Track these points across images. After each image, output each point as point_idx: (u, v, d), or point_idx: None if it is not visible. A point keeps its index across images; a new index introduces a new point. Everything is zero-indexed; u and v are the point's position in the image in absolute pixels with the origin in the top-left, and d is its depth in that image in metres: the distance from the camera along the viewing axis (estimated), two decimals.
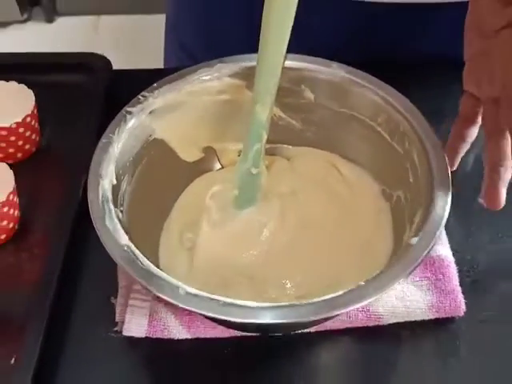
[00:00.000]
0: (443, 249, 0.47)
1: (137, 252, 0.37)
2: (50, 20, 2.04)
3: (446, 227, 0.47)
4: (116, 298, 0.45)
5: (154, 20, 1.91)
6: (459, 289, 0.45)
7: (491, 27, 0.39)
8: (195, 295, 0.35)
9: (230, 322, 0.35)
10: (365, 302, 0.35)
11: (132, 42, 1.94)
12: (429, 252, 0.37)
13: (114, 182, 0.41)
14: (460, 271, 0.46)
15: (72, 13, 2.05)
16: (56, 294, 0.45)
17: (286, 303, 0.34)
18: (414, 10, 0.58)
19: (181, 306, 0.34)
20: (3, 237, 0.49)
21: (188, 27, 0.71)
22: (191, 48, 0.70)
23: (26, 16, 2.00)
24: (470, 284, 0.46)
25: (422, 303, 0.44)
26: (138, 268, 0.36)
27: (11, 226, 0.49)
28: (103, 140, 0.43)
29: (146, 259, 0.37)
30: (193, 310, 0.34)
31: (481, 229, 0.49)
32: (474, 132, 0.44)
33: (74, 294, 0.47)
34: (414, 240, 0.37)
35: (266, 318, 0.34)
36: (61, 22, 2.06)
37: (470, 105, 0.42)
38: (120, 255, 0.37)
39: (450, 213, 0.40)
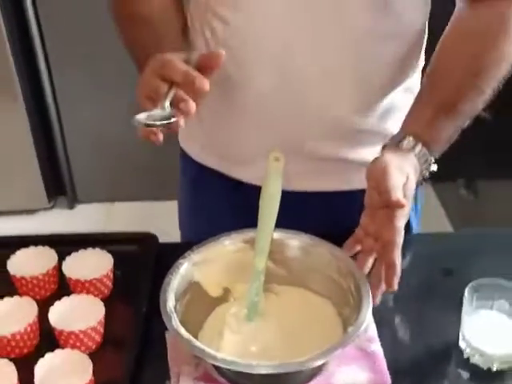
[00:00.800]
0: (376, 346, 0.74)
1: (191, 337, 0.65)
2: (71, 207, 2.40)
3: (379, 333, 0.76)
4: (170, 380, 0.71)
5: (161, 206, 2.27)
6: (386, 369, 0.72)
7: (376, 205, 0.72)
8: (226, 359, 0.62)
9: (247, 374, 0.62)
10: (322, 361, 0.62)
11: (141, 225, 2.27)
12: (358, 335, 0.65)
13: (174, 303, 0.70)
14: (387, 359, 0.73)
15: (90, 201, 2.41)
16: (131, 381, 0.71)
17: (276, 363, 0.62)
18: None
19: (218, 364, 0.62)
20: (94, 346, 0.76)
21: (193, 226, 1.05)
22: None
23: (52, 204, 2.37)
24: (394, 367, 0.73)
25: (364, 378, 0.71)
26: (192, 345, 0.64)
27: (99, 339, 0.76)
28: (166, 278, 0.72)
29: (196, 340, 0.64)
30: (226, 366, 0.61)
31: (402, 333, 0.77)
32: (357, 247, 0.76)
33: (142, 380, 0.73)
34: (350, 329, 0.66)
35: (263, 370, 0.61)
36: (81, 208, 2.41)
37: (360, 234, 0.74)
38: (181, 339, 0.64)
39: (380, 323, 0.72)
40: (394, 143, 0.78)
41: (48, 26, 2.07)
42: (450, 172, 2.18)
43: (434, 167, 0.80)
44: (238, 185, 0.95)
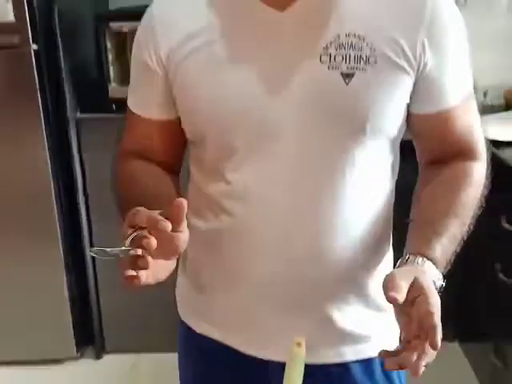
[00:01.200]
0: None
1: None
2: (98, 357, 2.41)
3: None
4: None
5: None
6: None
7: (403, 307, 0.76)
8: None
9: None
10: None
11: (166, 378, 2.25)
12: None
13: None
14: None
15: (117, 351, 2.42)
16: None
17: None
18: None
19: None
20: None
21: None
22: None
23: (79, 354, 2.38)
24: None
25: None
26: None
27: None
28: None
29: None
30: None
31: None
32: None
33: None
34: None
35: None
36: (107, 358, 2.42)
37: (407, 338, 0.76)
38: None
39: None
40: (403, 263, 0.85)
41: (92, 183, 2.23)
42: (479, 336, 2.17)
43: (442, 282, 0.85)
44: (238, 354, 0.98)
